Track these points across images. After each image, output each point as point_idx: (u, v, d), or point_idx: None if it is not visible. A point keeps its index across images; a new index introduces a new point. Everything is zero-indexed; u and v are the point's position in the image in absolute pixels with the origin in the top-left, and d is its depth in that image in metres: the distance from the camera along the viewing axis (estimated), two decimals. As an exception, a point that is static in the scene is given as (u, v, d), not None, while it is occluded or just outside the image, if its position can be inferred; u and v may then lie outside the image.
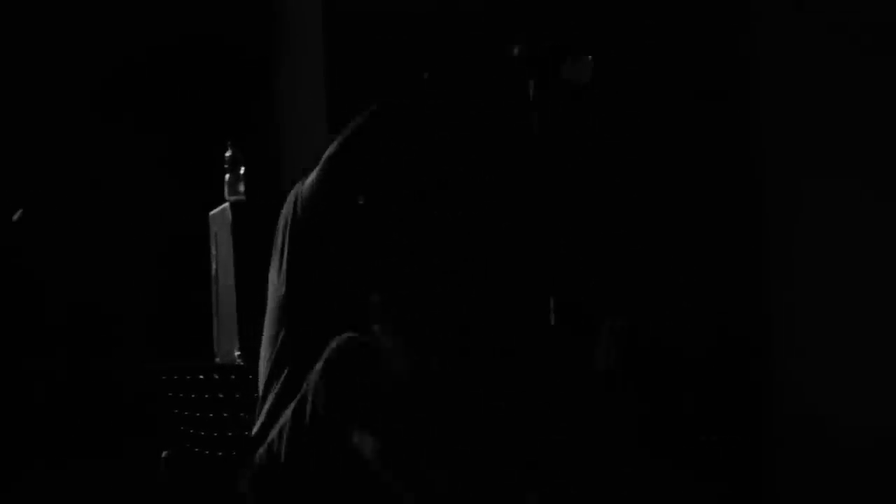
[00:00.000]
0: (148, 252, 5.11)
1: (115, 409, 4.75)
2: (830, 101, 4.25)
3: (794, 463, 4.42)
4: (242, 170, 4.19)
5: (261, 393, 2.99)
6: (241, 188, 4.20)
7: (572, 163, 4.19)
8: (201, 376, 3.34)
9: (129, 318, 5.04)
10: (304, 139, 4.97)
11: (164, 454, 3.30)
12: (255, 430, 2.96)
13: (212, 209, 4.32)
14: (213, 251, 4.33)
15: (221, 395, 3.32)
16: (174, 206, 4.99)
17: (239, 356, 3.99)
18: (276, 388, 2.92)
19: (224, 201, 4.20)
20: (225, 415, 3.33)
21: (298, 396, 2.68)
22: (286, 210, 3.07)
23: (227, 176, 4.21)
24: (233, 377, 3.35)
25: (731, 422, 4.48)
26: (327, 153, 2.87)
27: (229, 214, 4.11)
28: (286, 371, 2.91)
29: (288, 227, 2.99)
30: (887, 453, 4.06)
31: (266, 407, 2.95)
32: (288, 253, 2.93)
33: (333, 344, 2.62)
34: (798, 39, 4.35)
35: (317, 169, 2.93)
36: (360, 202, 2.86)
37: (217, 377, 3.34)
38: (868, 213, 4.12)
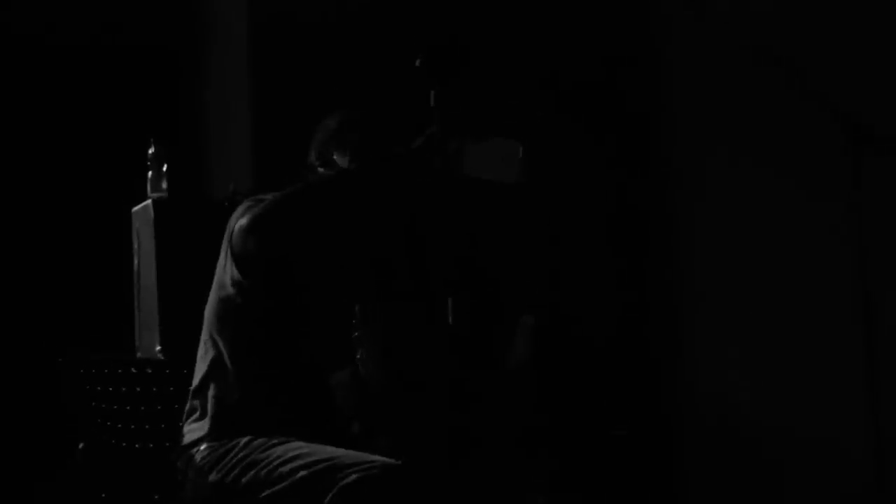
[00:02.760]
0: (71, 247, 5.13)
1: (32, 402, 4.76)
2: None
3: (701, 454, 4.52)
4: (165, 167, 4.23)
5: (193, 386, 3.01)
6: (164, 185, 4.23)
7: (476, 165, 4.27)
8: (119, 370, 3.38)
9: (49, 312, 5.06)
10: (227, 137, 5.01)
11: (80, 445, 3.35)
12: (186, 428, 2.98)
13: (134, 205, 4.36)
14: (136, 247, 4.36)
15: (139, 389, 3.37)
16: (97, 202, 5.02)
17: (159, 351, 4.03)
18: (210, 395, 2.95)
19: (147, 198, 4.24)
20: (142, 408, 3.38)
21: None
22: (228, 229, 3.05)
23: (150, 173, 4.24)
24: (149, 371, 3.40)
25: (639, 416, 4.58)
26: (256, 212, 2.84)
27: (152, 211, 4.15)
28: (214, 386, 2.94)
29: (227, 252, 2.98)
30: (788, 445, 4.18)
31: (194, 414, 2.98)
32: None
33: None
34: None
35: (247, 217, 2.89)
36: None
37: (135, 371, 3.39)
38: (773, 205, 4.21)
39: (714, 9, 4.14)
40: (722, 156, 4.40)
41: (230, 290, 2.90)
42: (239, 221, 2.86)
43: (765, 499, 4.26)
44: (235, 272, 2.88)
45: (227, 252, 2.92)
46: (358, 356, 2.86)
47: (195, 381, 2.99)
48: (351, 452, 2.69)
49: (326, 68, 4.59)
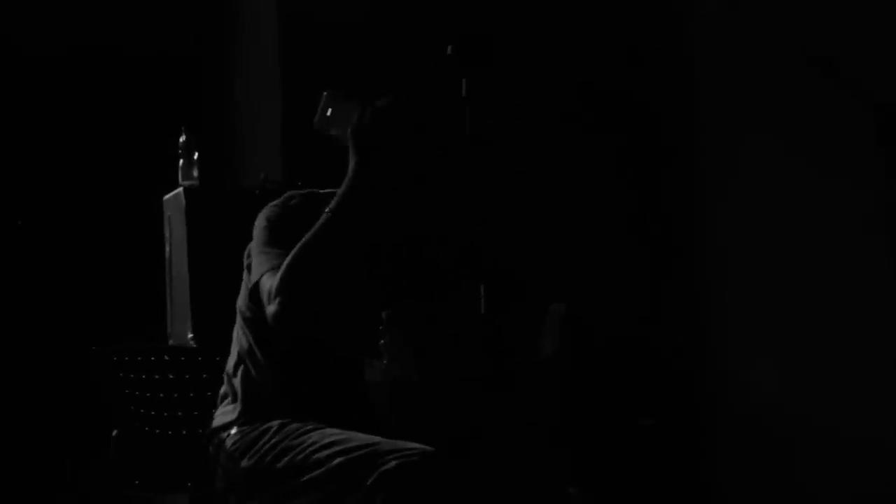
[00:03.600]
0: (103, 236, 5.17)
1: (66, 391, 4.80)
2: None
3: (730, 444, 4.52)
4: (196, 155, 4.25)
5: (226, 371, 3.03)
6: (195, 173, 4.25)
7: (506, 156, 4.29)
8: (152, 358, 3.40)
9: (83, 301, 5.10)
10: (258, 124, 5.03)
11: (113, 433, 3.38)
12: (217, 412, 3.00)
13: (166, 194, 4.39)
14: (167, 235, 4.39)
15: (171, 377, 3.39)
16: (129, 191, 5.05)
17: (192, 338, 4.06)
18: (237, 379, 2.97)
19: (178, 186, 4.26)
20: (175, 395, 3.40)
21: None
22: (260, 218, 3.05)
23: (181, 161, 4.27)
24: (182, 358, 3.42)
25: (668, 406, 4.58)
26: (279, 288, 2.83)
27: (183, 199, 4.17)
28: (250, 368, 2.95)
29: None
30: (817, 437, 4.17)
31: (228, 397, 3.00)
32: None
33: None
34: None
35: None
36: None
37: (167, 358, 3.41)
38: (803, 198, 4.20)
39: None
40: (748, 146, 4.39)
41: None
42: (266, 283, 2.78)
43: (793, 488, 4.25)
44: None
45: (253, 245, 2.92)
46: (384, 361, 2.86)
47: (228, 366, 3.01)
48: (388, 440, 2.70)
49: (356, 55, 4.60)
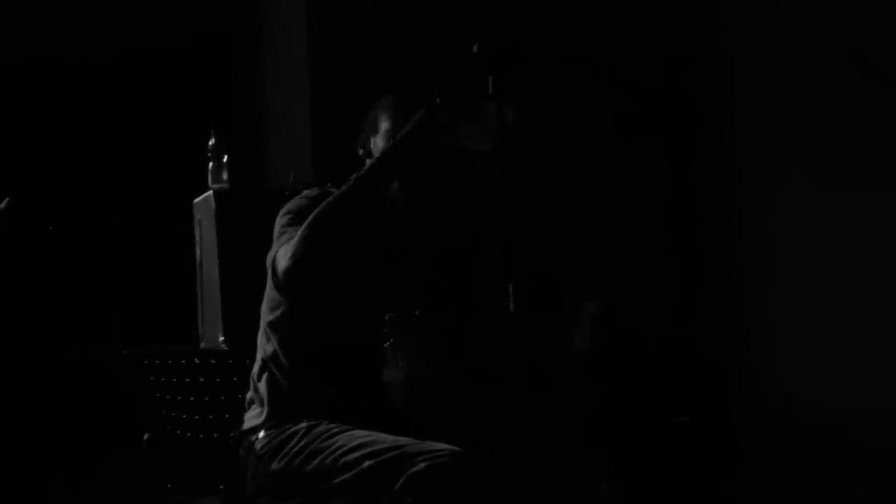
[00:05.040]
0: (135, 239, 5.18)
1: (99, 395, 4.82)
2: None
3: (767, 441, 4.49)
4: (226, 158, 4.26)
5: (252, 374, 3.04)
6: (225, 176, 4.26)
7: (535, 153, 4.27)
8: (183, 361, 3.41)
9: (115, 305, 5.12)
10: (286, 127, 5.04)
11: (145, 436, 3.39)
12: (246, 416, 3.01)
13: (196, 197, 4.39)
14: (198, 238, 4.40)
15: (202, 380, 3.39)
16: (160, 194, 5.06)
17: (223, 341, 4.06)
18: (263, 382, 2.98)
19: (208, 189, 4.27)
20: (206, 398, 3.40)
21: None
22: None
23: (211, 164, 4.27)
24: (213, 361, 3.42)
25: (702, 403, 4.56)
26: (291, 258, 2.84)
27: (213, 202, 4.18)
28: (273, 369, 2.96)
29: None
30: (855, 434, 4.14)
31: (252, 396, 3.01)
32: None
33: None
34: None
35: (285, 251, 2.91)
36: None
37: (198, 361, 3.41)
38: (837, 202, 4.16)
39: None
40: (787, 150, 4.36)
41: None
42: (280, 251, 2.84)
43: (827, 484, 4.22)
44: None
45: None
46: (399, 363, 2.86)
47: (253, 372, 3.02)
48: (415, 441, 2.69)
49: (384, 58, 4.60)
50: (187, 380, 3.40)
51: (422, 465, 2.61)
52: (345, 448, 2.74)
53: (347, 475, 2.71)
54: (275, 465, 2.84)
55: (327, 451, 2.76)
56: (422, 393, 2.86)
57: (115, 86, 5.30)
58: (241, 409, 3.07)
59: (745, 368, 4.55)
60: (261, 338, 3.03)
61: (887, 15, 3.90)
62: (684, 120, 4.79)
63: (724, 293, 4.63)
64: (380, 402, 2.87)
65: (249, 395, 3.03)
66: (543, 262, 3.02)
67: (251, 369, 3.06)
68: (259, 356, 3.02)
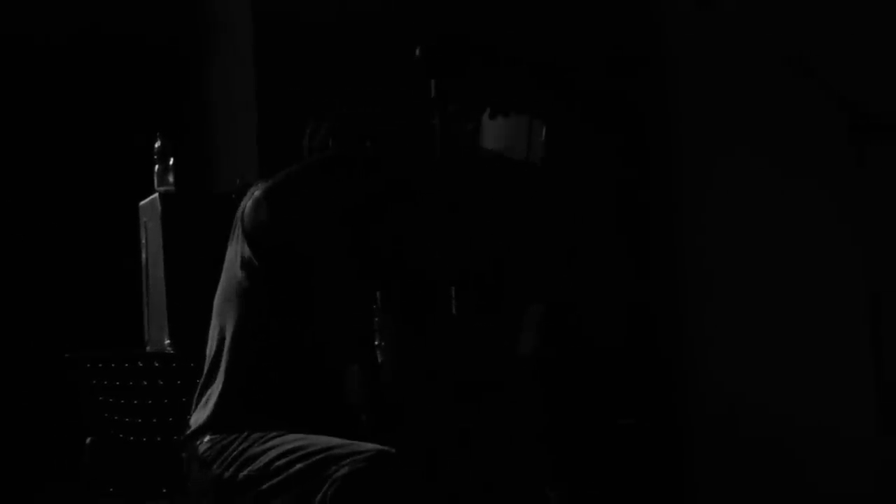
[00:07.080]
0: (79, 242, 5.15)
1: (40, 398, 4.78)
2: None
3: (709, 444, 4.52)
4: (172, 160, 4.24)
5: (201, 378, 3.03)
6: (171, 179, 4.25)
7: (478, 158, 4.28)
8: (126, 364, 3.39)
9: (58, 307, 5.08)
10: (233, 130, 5.02)
11: (88, 440, 3.37)
12: (191, 419, 3.00)
13: (142, 199, 4.37)
14: (143, 241, 4.38)
15: (146, 383, 3.38)
16: (105, 197, 5.03)
17: (169, 345, 4.05)
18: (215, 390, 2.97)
19: (154, 192, 4.25)
20: (149, 402, 3.39)
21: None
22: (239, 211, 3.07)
23: (157, 166, 4.26)
24: (156, 364, 3.41)
25: (647, 406, 4.58)
26: (268, 184, 2.88)
27: (159, 205, 4.17)
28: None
29: (238, 232, 2.99)
30: (794, 435, 4.18)
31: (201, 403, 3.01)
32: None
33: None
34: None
35: (259, 188, 2.92)
36: None
37: (141, 364, 3.40)
38: (780, 198, 4.21)
39: (718, 1, 4.13)
40: (726, 147, 4.40)
41: (239, 273, 2.90)
42: (252, 195, 2.89)
43: (770, 488, 4.27)
44: (246, 249, 2.88)
45: (237, 234, 2.93)
46: (377, 343, 2.88)
47: (203, 373, 3.01)
48: (346, 442, 2.72)
49: (331, 62, 4.59)
50: (131, 383, 3.38)
51: (345, 469, 2.65)
52: (277, 452, 2.77)
53: (277, 479, 2.74)
54: (215, 470, 2.84)
55: (261, 457, 2.78)
56: (378, 387, 2.88)
57: (61, 85, 5.25)
58: (185, 413, 3.06)
59: (689, 370, 4.58)
60: (211, 339, 3.01)
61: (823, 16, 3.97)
62: (631, 120, 4.81)
63: (670, 296, 4.67)
64: (336, 405, 2.89)
65: (197, 395, 3.02)
66: (488, 264, 3.03)
67: (196, 372, 3.04)
68: (209, 357, 2.99)
